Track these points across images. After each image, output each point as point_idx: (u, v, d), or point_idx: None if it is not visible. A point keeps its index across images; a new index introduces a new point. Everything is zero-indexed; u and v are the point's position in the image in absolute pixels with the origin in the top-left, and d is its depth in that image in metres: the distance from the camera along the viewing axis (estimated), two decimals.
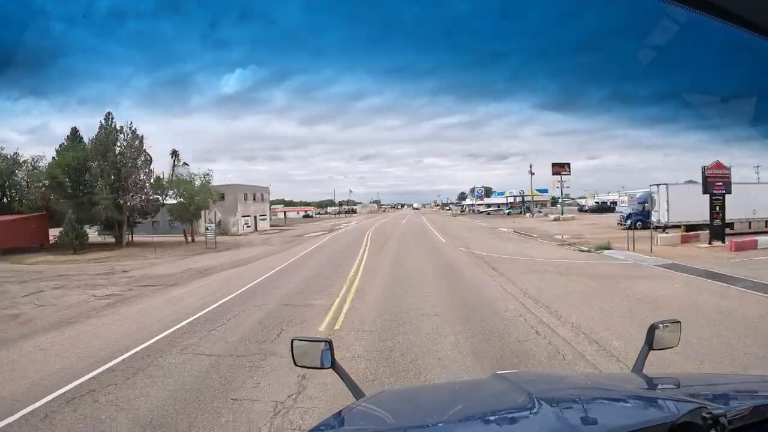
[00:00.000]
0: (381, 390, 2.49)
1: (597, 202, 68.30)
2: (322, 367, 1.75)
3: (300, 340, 1.80)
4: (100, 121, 30.97)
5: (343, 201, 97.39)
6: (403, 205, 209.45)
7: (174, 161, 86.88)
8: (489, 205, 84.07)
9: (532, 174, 58.85)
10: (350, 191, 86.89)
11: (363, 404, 1.49)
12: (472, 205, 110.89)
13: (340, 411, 1.40)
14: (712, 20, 0.96)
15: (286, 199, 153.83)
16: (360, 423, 1.37)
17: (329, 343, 1.74)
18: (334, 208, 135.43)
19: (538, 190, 67.45)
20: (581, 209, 67.94)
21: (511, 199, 78.06)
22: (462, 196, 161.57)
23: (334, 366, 1.73)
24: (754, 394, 1.33)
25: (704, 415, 0.90)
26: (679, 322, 1.76)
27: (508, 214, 68.37)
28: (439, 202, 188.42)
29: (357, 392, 1.68)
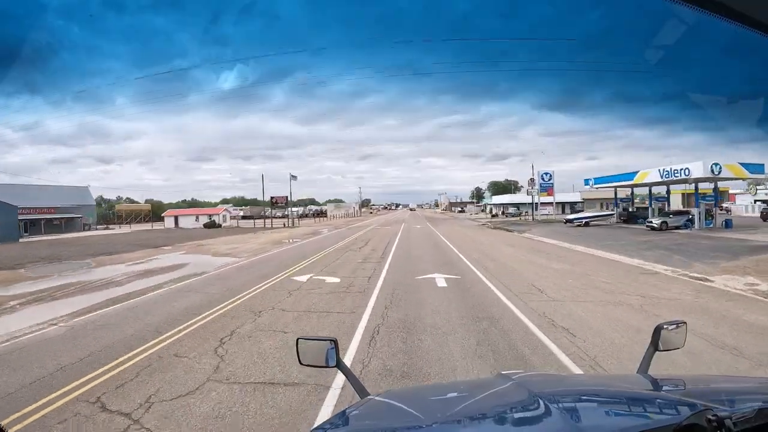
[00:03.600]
0: (386, 389, 2.61)
1: None
2: (327, 366, 1.70)
3: (305, 339, 1.75)
4: None
5: (278, 197, 53.60)
6: (398, 205, 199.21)
7: None
8: (576, 206, 41.45)
9: None
10: (292, 177, 42.63)
11: (367, 403, 1.47)
12: (506, 206, 67.87)
13: (345, 410, 1.38)
14: (721, 20, 0.96)
15: (247, 198, 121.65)
16: (365, 422, 1.34)
17: (334, 342, 1.70)
18: (297, 209, 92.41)
19: (748, 166, 24.93)
20: None
21: (635, 190, 35.37)
22: (478, 194, 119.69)
23: (339, 365, 1.70)
24: (760, 396, 1.24)
25: (709, 417, 0.90)
26: (685, 323, 1.71)
27: (686, 227, 25.69)
28: (441, 202, 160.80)
29: (362, 391, 1.66)
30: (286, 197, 52.47)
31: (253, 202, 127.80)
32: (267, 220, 51.38)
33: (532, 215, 42.98)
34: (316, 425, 1.25)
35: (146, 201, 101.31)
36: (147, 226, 56.46)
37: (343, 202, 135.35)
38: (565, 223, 33.99)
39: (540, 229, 30.89)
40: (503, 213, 66.71)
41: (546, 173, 42.16)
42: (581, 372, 4.84)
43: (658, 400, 1.28)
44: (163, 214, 57.00)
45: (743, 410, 0.94)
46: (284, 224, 48.22)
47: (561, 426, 1.01)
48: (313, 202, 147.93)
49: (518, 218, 49.61)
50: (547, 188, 42.01)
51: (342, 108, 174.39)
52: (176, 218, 52.73)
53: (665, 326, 1.65)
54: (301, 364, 1.72)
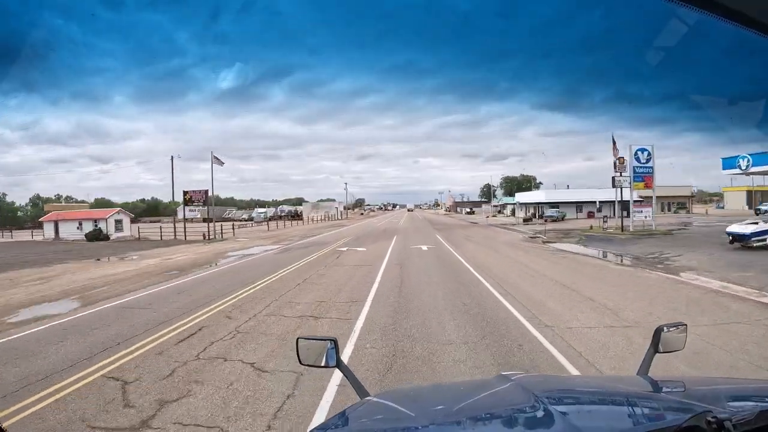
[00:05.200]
0: (385, 390, 2.64)
1: None
2: (327, 366, 1.67)
3: (305, 338, 1.71)
4: None
5: (192, 192, 35.64)
6: (395, 206, 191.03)
7: None
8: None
9: None
10: (217, 161, 24.68)
11: (367, 404, 1.45)
12: (540, 205, 50.61)
13: (345, 410, 1.36)
14: (722, 22, 0.96)
15: (222, 197, 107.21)
16: (364, 423, 1.33)
17: (334, 341, 1.66)
18: (262, 210, 74.67)
19: None
20: None
21: None
22: (490, 192, 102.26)
23: (339, 365, 1.67)
24: (760, 398, 1.23)
25: (709, 419, 0.90)
26: (686, 324, 1.65)
27: None
28: (443, 202, 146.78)
29: (362, 391, 1.61)
30: (206, 192, 34.62)
31: (223, 202, 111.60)
32: (213, 225, 34.17)
33: (621, 222, 25.34)
34: (316, 425, 1.23)
35: (95, 200, 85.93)
36: (28, 235, 39.05)
37: (335, 201, 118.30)
38: (731, 242, 16.60)
39: (717, 260, 13.56)
40: (536, 215, 49.29)
41: (642, 149, 24.62)
42: None
43: (658, 402, 1.27)
44: (41, 219, 39.16)
45: (743, 412, 0.93)
46: (205, 235, 30.48)
47: (561, 427, 0.99)
48: (302, 201, 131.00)
49: (584, 229, 32.00)
50: (644, 175, 24.63)
51: (341, 108, 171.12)
52: (56, 224, 35.09)
53: (665, 328, 1.61)
54: (301, 363, 1.69)
